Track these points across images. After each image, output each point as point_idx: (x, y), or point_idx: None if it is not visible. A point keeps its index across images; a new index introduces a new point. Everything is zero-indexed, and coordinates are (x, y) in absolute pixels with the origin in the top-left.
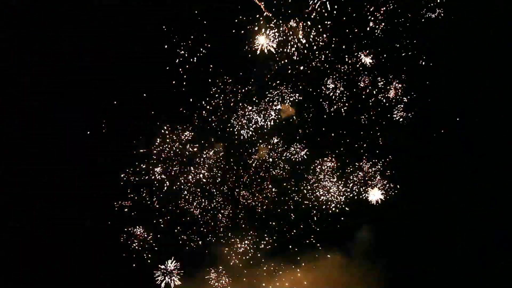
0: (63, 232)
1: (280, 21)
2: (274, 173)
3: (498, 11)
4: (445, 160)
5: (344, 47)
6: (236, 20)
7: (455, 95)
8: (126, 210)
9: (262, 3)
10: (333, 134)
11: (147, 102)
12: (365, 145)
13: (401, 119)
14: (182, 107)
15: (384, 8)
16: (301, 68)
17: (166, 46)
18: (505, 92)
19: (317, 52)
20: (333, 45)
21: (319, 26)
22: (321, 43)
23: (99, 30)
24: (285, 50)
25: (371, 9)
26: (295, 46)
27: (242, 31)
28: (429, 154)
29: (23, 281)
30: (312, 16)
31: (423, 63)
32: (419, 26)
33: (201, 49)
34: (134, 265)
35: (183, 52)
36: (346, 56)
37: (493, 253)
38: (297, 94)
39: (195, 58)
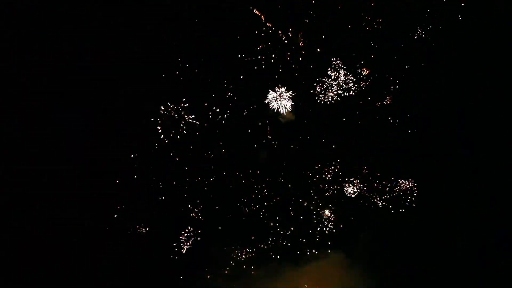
0: (63, 232)
1: (280, 32)
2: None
3: (498, 11)
4: (445, 160)
5: (342, 54)
6: (237, 21)
7: (455, 95)
8: (126, 210)
9: (262, 14)
10: (333, 138)
11: (147, 102)
12: (364, 147)
13: (398, 121)
14: (183, 107)
15: (383, 10)
16: (301, 72)
17: (166, 46)
18: (505, 92)
19: (315, 57)
20: (332, 47)
21: (319, 33)
22: (319, 49)
23: (99, 30)
24: (285, 57)
25: (368, 17)
26: (295, 53)
27: (242, 33)
28: (429, 155)
29: (23, 281)
30: (311, 24)
31: (422, 63)
32: (418, 27)
33: (202, 50)
34: (134, 265)
35: (183, 52)
36: (345, 59)
37: (493, 253)
38: (297, 98)
39: (195, 59)
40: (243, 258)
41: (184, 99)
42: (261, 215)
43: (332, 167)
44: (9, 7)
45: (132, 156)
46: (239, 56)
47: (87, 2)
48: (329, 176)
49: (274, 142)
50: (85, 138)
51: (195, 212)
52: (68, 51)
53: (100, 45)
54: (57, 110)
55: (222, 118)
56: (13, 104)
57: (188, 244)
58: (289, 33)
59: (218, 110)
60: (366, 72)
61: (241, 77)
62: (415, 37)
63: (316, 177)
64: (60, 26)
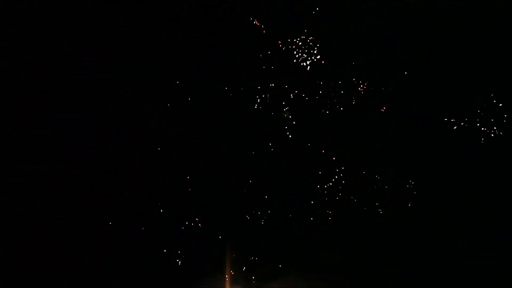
0: (63, 232)
1: (280, 42)
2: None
3: (498, 11)
4: (444, 160)
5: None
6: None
7: (455, 95)
8: (126, 210)
9: (263, 25)
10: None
11: (147, 102)
12: (364, 148)
13: (397, 122)
14: (183, 107)
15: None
16: (300, 75)
17: (166, 46)
18: (505, 92)
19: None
20: (331, 49)
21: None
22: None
23: (99, 30)
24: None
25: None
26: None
27: (242, 34)
28: (429, 154)
29: (23, 281)
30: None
31: (422, 64)
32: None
33: (202, 49)
34: (134, 265)
35: (183, 52)
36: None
37: (493, 253)
38: (295, 99)
39: (195, 58)
40: (243, 260)
41: (184, 99)
42: (263, 221)
43: (336, 176)
44: (9, 7)
45: (132, 156)
46: (239, 56)
47: (87, 2)
48: (330, 182)
49: (275, 147)
50: (85, 138)
51: (196, 214)
52: (68, 51)
53: (100, 45)
54: (57, 110)
55: (223, 118)
56: (13, 104)
57: (188, 245)
58: (288, 40)
59: (218, 110)
60: (365, 85)
61: (241, 77)
62: (415, 38)
63: (317, 180)
64: (60, 26)
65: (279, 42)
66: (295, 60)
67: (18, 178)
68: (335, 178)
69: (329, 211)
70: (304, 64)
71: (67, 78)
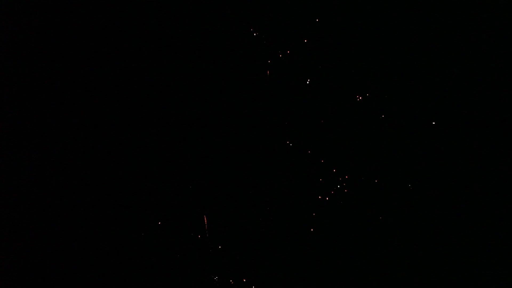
0: (63, 232)
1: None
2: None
3: (499, 11)
4: (444, 161)
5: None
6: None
7: (455, 95)
8: (126, 210)
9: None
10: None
11: (147, 102)
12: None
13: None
14: (182, 107)
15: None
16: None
17: (166, 46)
18: (505, 92)
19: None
20: (331, 49)
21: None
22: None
23: (99, 30)
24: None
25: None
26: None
27: (242, 32)
28: (428, 154)
29: (23, 281)
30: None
31: (421, 62)
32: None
33: (202, 49)
34: (133, 267)
35: (183, 52)
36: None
37: (493, 253)
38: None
39: (195, 58)
40: (243, 263)
41: (184, 99)
42: (265, 227)
43: (336, 178)
44: (9, 7)
45: (132, 156)
46: (239, 56)
47: (87, 2)
48: (330, 184)
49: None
50: (85, 138)
51: (196, 215)
52: (68, 51)
53: (100, 45)
54: (57, 110)
55: (223, 118)
56: (13, 104)
57: (187, 248)
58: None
59: (218, 110)
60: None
61: (241, 77)
62: (416, 38)
63: (317, 183)
64: (60, 26)
65: (279, 45)
66: (295, 62)
67: (18, 178)
68: (335, 180)
69: (329, 213)
70: (304, 66)
71: (67, 78)
